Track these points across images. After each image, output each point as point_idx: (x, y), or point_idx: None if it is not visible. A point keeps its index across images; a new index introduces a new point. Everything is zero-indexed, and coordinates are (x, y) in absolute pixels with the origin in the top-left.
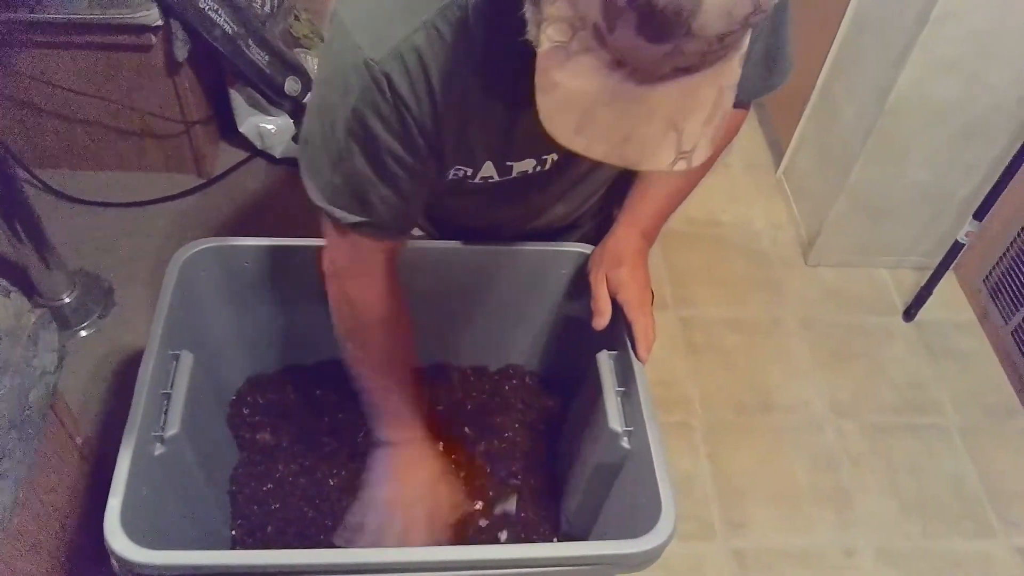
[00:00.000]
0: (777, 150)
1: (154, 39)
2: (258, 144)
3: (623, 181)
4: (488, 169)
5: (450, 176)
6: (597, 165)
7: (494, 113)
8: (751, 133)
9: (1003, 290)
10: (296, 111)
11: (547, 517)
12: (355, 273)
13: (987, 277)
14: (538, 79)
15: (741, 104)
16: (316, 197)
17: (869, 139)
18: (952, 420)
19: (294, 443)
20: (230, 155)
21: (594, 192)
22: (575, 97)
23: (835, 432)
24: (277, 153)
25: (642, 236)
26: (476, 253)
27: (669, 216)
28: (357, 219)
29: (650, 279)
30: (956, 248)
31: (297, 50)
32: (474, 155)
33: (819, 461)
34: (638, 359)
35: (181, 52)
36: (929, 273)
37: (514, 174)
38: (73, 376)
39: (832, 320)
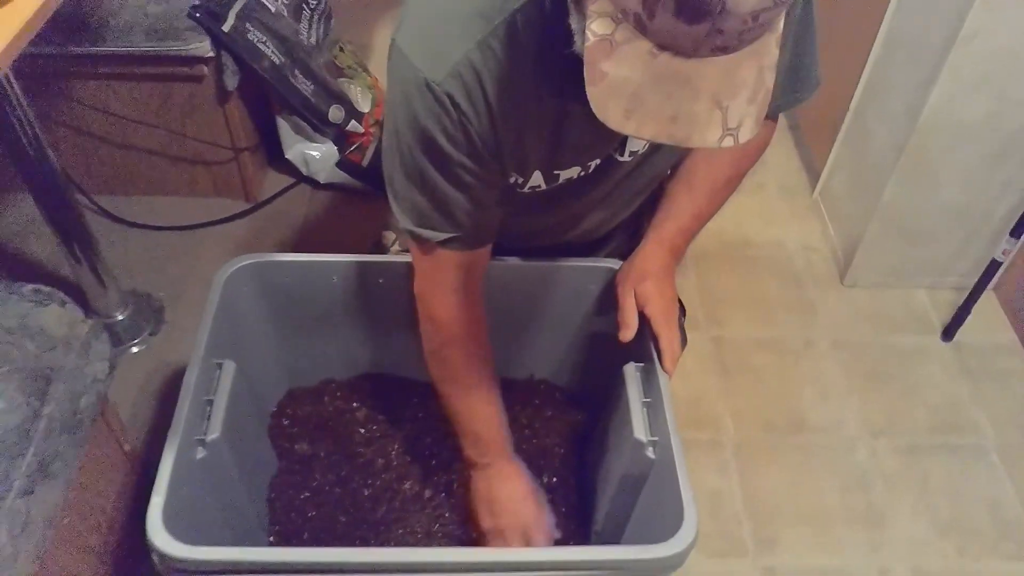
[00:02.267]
0: (812, 172)
1: (206, 70)
2: (303, 170)
3: (652, 199)
4: (537, 178)
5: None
6: (632, 172)
7: (545, 123)
8: (786, 156)
9: None
10: (339, 138)
11: (576, 527)
12: (435, 294)
13: None
14: (587, 72)
15: (768, 116)
16: (406, 223)
17: (901, 159)
18: (990, 441)
19: (331, 454)
20: (276, 181)
21: (628, 203)
22: (622, 84)
23: (868, 452)
24: (321, 179)
25: (669, 252)
26: (506, 269)
27: (696, 233)
28: (447, 235)
29: (677, 294)
30: (994, 267)
31: (341, 80)
32: (526, 164)
33: (851, 481)
34: (664, 371)
35: (231, 82)
36: (967, 293)
37: (560, 182)
38: (123, 390)
39: (867, 341)
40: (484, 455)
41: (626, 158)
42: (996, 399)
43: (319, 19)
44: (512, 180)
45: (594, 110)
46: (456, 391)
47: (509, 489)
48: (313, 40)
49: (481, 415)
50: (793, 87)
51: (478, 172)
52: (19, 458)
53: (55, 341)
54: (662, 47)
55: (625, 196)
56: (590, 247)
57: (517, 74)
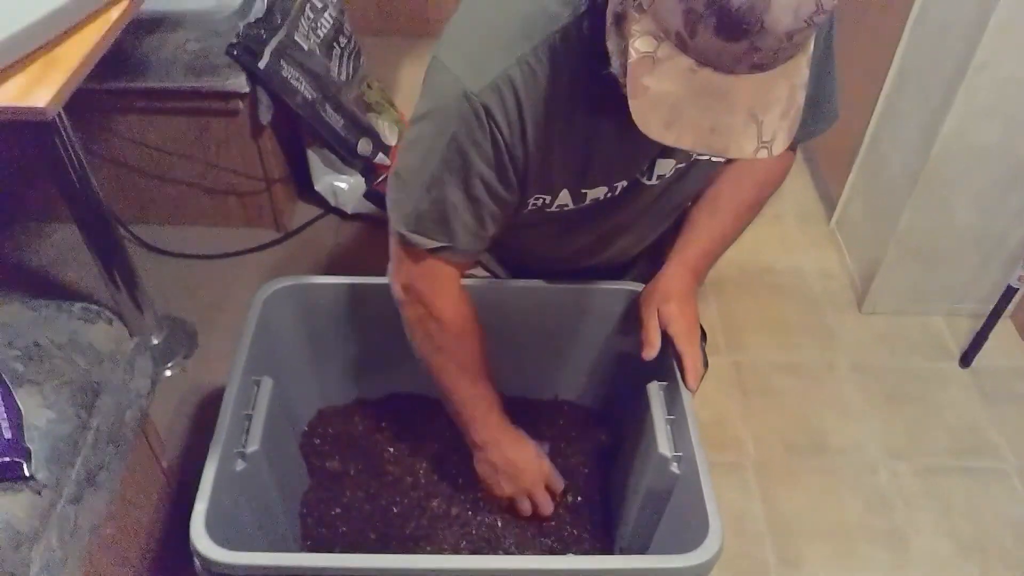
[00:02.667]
0: (829, 202)
1: (241, 105)
2: (331, 201)
3: (674, 224)
4: (564, 197)
5: (529, 206)
6: (658, 198)
7: (575, 141)
8: (803, 186)
9: None
10: (367, 169)
11: (601, 544)
12: (435, 295)
13: None
14: (629, 86)
15: (791, 147)
16: (399, 225)
17: (916, 185)
18: (1010, 463)
19: (360, 472)
20: (305, 211)
21: (654, 229)
22: (663, 97)
23: (888, 474)
24: (349, 209)
25: (691, 274)
26: (531, 291)
27: (718, 257)
28: (437, 244)
29: (699, 315)
30: (1010, 292)
31: (369, 114)
32: (553, 183)
33: (872, 502)
34: (687, 388)
35: (265, 116)
36: (984, 319)
37: (587, 202)
38: (158, 411)
39: (886, 365)
40: (489, 432)
41: (653, 182)
42: (1015, 423)
43: (349, 57)
44: (539, 202)
45: (636, 122)
46: (462, 382)
47: (521, 453)
48: (343, 77)
49: (485, 400)
50: (813, 119)
51: (495, 189)
52: (69, 467)
53: (102, 356)
54: (702, 63)
55: (651, 222)
56: (613, 273)
57: (553, 92)
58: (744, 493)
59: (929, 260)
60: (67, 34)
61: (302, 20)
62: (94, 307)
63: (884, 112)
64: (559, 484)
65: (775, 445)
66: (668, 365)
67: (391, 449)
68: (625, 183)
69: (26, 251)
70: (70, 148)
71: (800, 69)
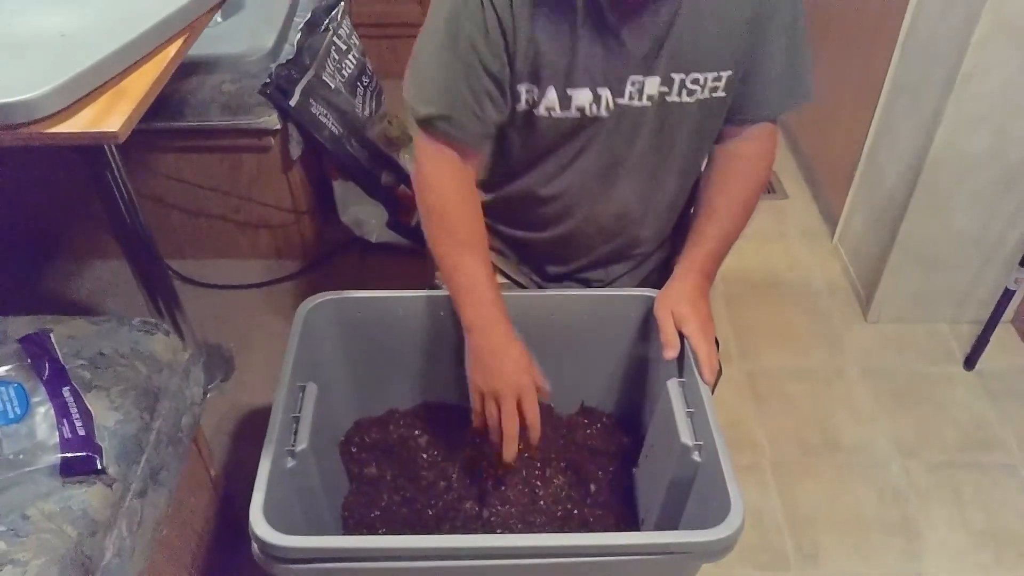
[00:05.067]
0: (831, 219)
1: (273, 141)
2: (356, 231)
3: (680, 235)
4: (551, 98)
5: (521, 100)
6: (655, 144)
7: (561, 38)
8: (805, 205)
9: None
10: (390, 200)
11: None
12: (435, 162)
13: None
14: None
15: (768, 119)
16: (409, 97)
17: (913, 195)
18: (1018, 457)
19: (396, 477)
20: (332, 241)
21: (655, 185)
22: None
23: (900, 469)
24: (373, 239)
25: (700, 275)
26: (552, 299)
27: (723, 256)
28: (439, 112)
29: (711, 314)
30: (1007, 296)
31: (391, 148)
32: (540, 76)
33: (886, 495)
34: (704, 382)
35: (295, 151)
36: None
37: (573, 108)
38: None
39: (893, 369)
40: (481, 315)
41: (643, 102)
42: (1020, 418)
43: (371, 95)
44: (527, 97)
45: None
46: (451, 249)
47: (505, 353)
48: (367, 113)
49: (476, 273)
50: (790, 92)
51: (487, 58)
52: (135, 464)
53: (162, 365)
54: None
55: (651, 170)
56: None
57: None
58: (762, 491)
59: (930, 267)
60: (131, 69)
61: (328, 61)
62: (152, 320)
63: (880, 127)
64: (531, 406)
65: (790, 446)
66: (686, 364)
67: (425, 455)
68: (609, 93)
69: (69, 285)
70: (121, 183)
71: None
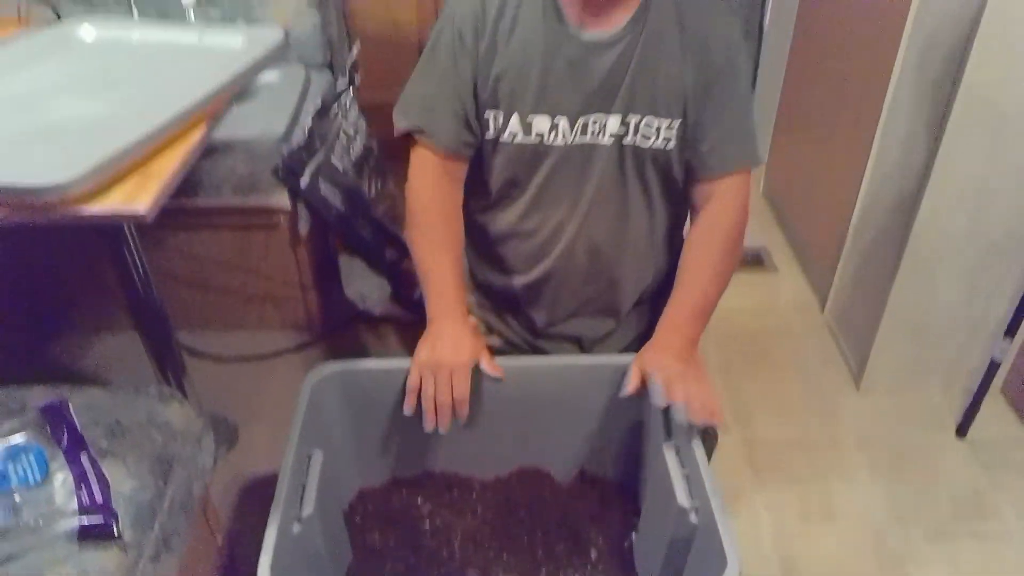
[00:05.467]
0: (821, 292)
1: (282, 219)
2: (360, 305)
3: (662, 300)
4: (514, 124)
5: (490, 128)
6: (618, 181)
7: (527, 67)
8: (795, 280)
9: None
10: (393, 274)
11: None
12: (416, 175)
13: None
14: None
15: (729, 173)
16: (395, 115)
17: (899, 270)
18: (1014, 526)
19: (400, 546)
20: (336, 315)
21: (623, 233)
22: None
23: (899, 538)
24: (376, 312)
25: (677, 334)
26: (547, 367)
27: (706, 314)
28: (418, 124)
29: (698, 368)
30: (994, 366)
31: (395, 226)
32: (505, 101)
33: (885, 562)
34: (695, 423)
35: (303, 228)
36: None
37: (533, 134)
38: None
39: (887, 438)
40: (443, 307)
41: (604, 140)
42: (1015, 487)
43: (376, 176)
44: (493, 123)
45: None
46: (427, 250)
47: (452, 336)
48: (372, 192)
49: (442, 273)
50: (743, 151)
51: (460, 77)
52: (149, 530)
53: (176, 433)
54: None
55: (617, 210)
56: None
57: (527, 16)
58: (761, 559)
59: (919, 338)
60: (158, 152)
61: (337, 145)
62: (167, 389)
63: (864, 205)
64: (463, 385)
65: (789, 514)
66: (680, 428)
67: (427, 524)
68: (567, 123)
69: (76, 358)
70: (137, 259)
71: None
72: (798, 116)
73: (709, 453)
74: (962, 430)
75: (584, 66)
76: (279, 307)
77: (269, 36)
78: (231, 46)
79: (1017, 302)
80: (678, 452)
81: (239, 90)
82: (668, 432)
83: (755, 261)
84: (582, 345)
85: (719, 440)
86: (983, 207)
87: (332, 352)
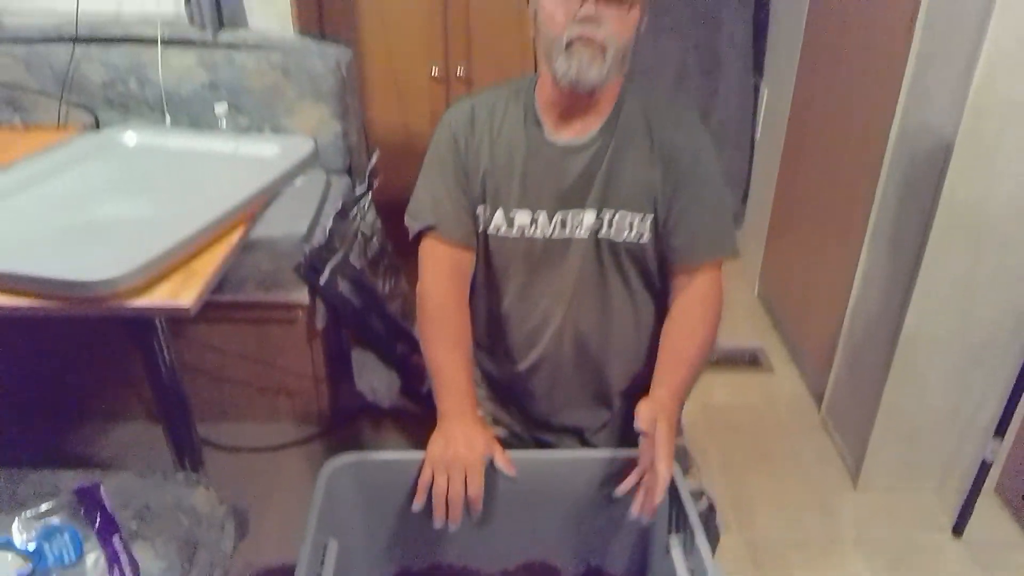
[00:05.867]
0: (817, 393)
1: (300, 314)
2: (369, 398)
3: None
4: (498, 218)
5: (480, 221)
6: (597, 273)
7: (511, 166)
8: (792, 382)
9: None
10: (403, 369)
11: None
12: (427, 270)
13: None
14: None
15: (703, 264)
16: (411, 221)
17: (890, 372)
18: None
19: None
20: (346, 407)
21: (623, 345)
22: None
23: None
24: (385, 405)
25: (658, 406)
26: (552, 461)
27: (683, 396)
28: (429, 223)
29: (672, 435)
30: (985, 467)
31: (406, 321)
32: (491, 197)
33: None
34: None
35: (320, 323)
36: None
37: (515, 227)
38: None
39: (885, 537)
40: (455, 404)
41: (581, 234)
42: None
43: (390, 273)
44: (481, 216)
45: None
46: (439, 346)
47: (467, 430)
48: (386, 289)
49: (455, 370)
50: (714, 243)
51: (458, 175)
52: None
53: (201, 518)
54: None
55: (599, 300)
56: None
57: (501, 125)
58: None
59: (912, 439)
60: (201, 251)
61: (355, 244)
62: (193, 475)
63: (855, 309)
64: (477, 480)
65: None
66: (687, 521)
67: None
68: (545, 218)
69: (91, 448)
70: (165, 350)
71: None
72: (790, 221)
73: (712, 549)
74: (958, 530)
75: (560, 167)
76: (292, 399)
77: (301, 146)
78: (266, 155)
79: (1005, 403)
80: (684, 547)
81: (274, 195)
82: (674, 527)
83: (752, 361)
84: (583, 435)
85: (720, 539)
86: (968, 311)
87: (340, 445)
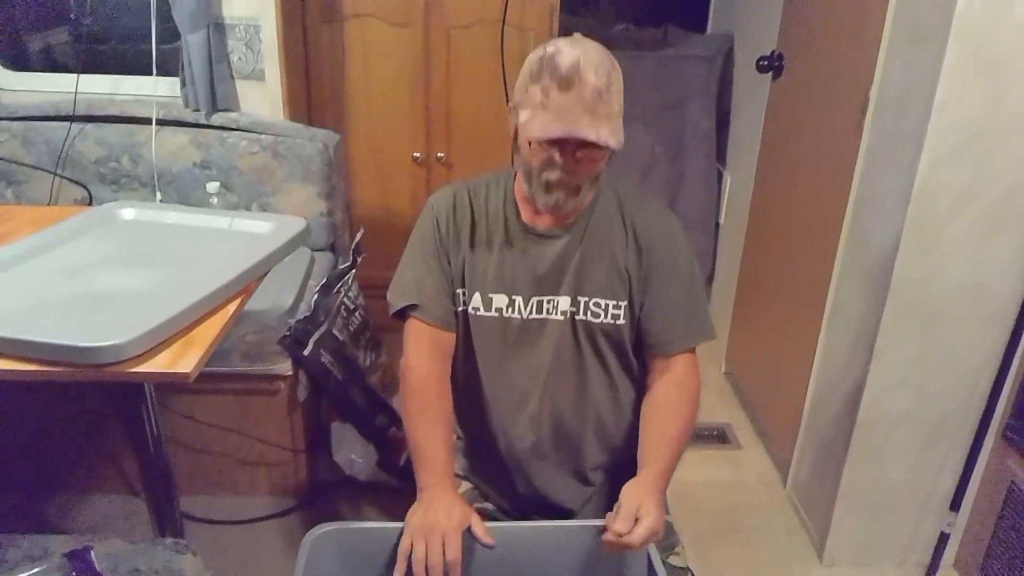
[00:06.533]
0: (783, 468)
1: (283, 385)
2: (347, 470)
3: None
4: (477, 300)
5: (459, 302)
6: (574, 355)
7: (489, 253)
8: (759, 457)
9: None
10: (382, 442)
11: None
12: (410, 348)
13: (983, 567)
14: (522, 124)
15: (681, 352)
16: (393, 298)
17: (850, 448)
18: None
19: None
20: (323, 480)
21: (601, 423)
22: (541, 117)
23: None
24: (362, 478)
25: (642, 488)
26: (534, 530)
27: (668, 475)
28: (408, 303)
29: (658, 518)
30: (943, 539)
31: (386, 394)
32: (470, 280)
33: None
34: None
35: (302, 395)
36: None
37: (493, 309)
38: None
39: None
40: (434, 477)
41: (557, 316)
42: None
43: (371, 347)
44: (462, 298)
45: (534, 131)
46: (421, 422)
47: (446, 500)
48: (367, 362)
49: (435, 444)
50: (691, 330)
51: (438, 257)
52: None
53: None
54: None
55: (576, 380)
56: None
57: (482, 211)
58: None
59: (873, 513)
60: (199, 322)
61: (339, 318)
62: (182, 541)
63: (816, 387)
64: (455, 546)
65: None
66: None
67: None
68: (522, 301)
69: (68, 519)
70: (153, 418)
71: (612, 110)
72: (755, 302)
73: None
74: None
75: (535, 253)
76: (270, 471)
77: (293, 224)
78: (260, 231)
79: (959, 477)
80: None
81: (268, 270)
82: None
83: (720, 438)
84: (568, 512)
85: None
86: (922, 389)
87: (318, 518)
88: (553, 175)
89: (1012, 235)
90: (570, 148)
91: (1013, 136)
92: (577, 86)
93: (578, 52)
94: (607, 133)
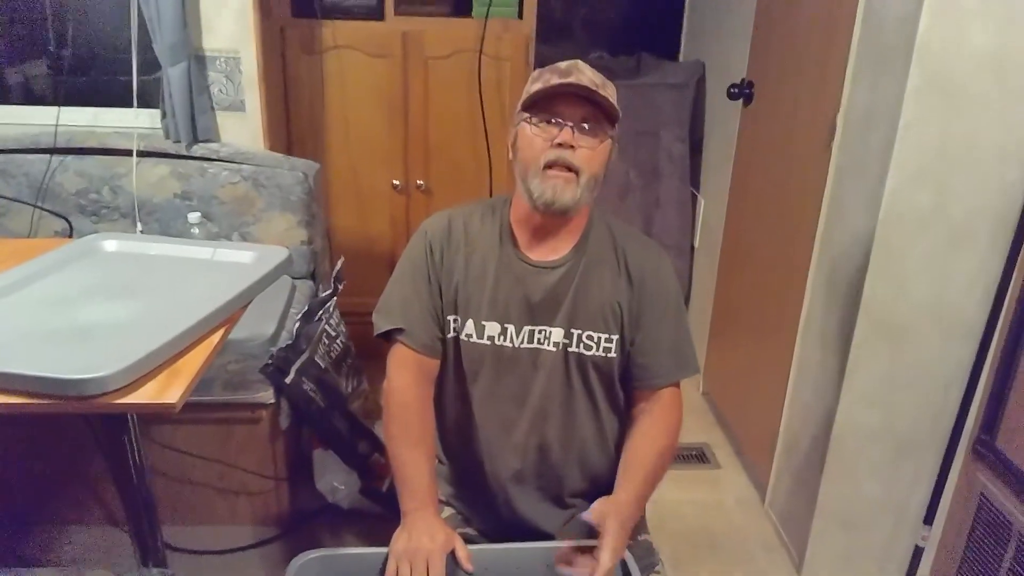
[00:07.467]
0: (760, 486)
1: (265, 414)
2: (329, 498)
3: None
4: (469, 327)
5: (450, 328)
6: (563, 387)
7: (482, 281)
8: (736, 475)
9: None
10: (363, 469)
11: None
12: (394, 371)
13: None
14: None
15: (666, 386)
16: (379, 319)
17: (825, 464)
18: None
19: None
20: (305, 508)
21: (585, 452)
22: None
23: None
24: (345, 506)
25: (617, 511)
26: (515, 552)
27: (643, 503)
28: (396, 326)
29: (619, 536)
30: (918, 553)
31: (368, 420)
32: (462, 307)
33: None
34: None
35: (284, 423)
36: None
37: (485, 337)
38: None
39: None
40: (417, 501)
41: (550, 347)
42: None
43: (353, 374)
44: (453, 324)
45: (535, 89)
46: (403, 447)
47: (429, 524)
48: (349, 389)
49: (418, 468)
50: (682, 366)
51: (427, 278)
52: None
53: None
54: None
55: (564, 411)
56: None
57: (476, 239)
58: None
59: (849, 529)
60: (183, 352)
61: (320, 345)
62: (167, 571)
63: (791, 405)
64: (439, 568)
65: None
66: None
67: None
68: (514, 330)
69: (46, 553)
70: (136, 449)
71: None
72: (730, 322)
73: None
74: None
75: (530, 283)
76: (251, 500)
77: (275, 254)
78: (242, 261)
79: (931, 490)
80: None
81: (251, 299)
82: None
83: (699, 457)
84: (547, 535)
85: None
86: (893, 404)
87: (299, 546)
88: (552, 154)
89: (973, 254)
90: (570, 129)
91: (972, 158)
92: (576, 75)
93: (576, 62)
94: (606, 94)
